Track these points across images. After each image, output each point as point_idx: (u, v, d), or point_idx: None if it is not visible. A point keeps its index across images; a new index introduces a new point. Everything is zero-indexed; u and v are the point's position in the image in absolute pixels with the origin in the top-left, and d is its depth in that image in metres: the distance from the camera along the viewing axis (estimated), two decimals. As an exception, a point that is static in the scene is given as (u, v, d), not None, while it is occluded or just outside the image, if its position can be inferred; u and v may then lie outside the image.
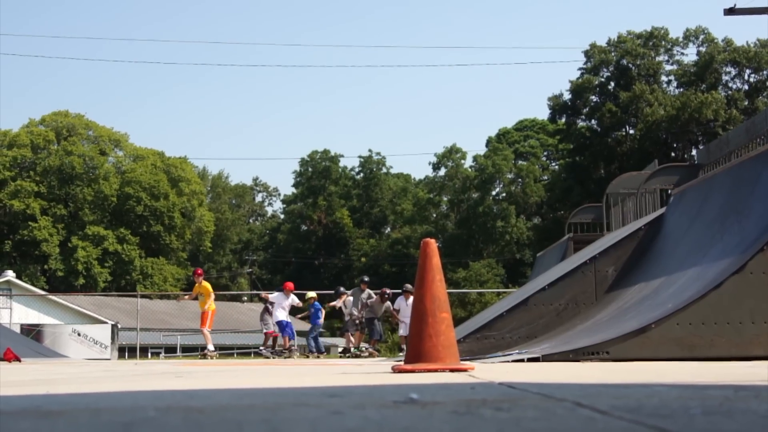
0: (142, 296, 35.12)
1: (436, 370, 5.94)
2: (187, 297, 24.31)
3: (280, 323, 22.12)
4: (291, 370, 8.10)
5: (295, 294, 23.02)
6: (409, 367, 6.12)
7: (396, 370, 6.30)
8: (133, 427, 2.43)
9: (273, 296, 22.69)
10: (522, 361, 9.11)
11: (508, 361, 9.19)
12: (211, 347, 21.49)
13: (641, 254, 12.85)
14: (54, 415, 2.85)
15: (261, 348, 22.61)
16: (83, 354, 27.88)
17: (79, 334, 30.20)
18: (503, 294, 32.52)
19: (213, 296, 21.74)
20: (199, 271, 22.38)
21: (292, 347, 22.15)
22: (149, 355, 41.36)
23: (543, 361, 9.07)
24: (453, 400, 3.23)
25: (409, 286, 21.08)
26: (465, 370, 6.04)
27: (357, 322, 21.88)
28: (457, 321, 16.96)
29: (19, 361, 15.81)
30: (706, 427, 2.31)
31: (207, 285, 21.70)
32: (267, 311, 22.14)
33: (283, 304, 22.26)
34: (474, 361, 9.05)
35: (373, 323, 21.78)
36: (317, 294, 23.90)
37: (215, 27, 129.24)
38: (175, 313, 50.71)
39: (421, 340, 6.19)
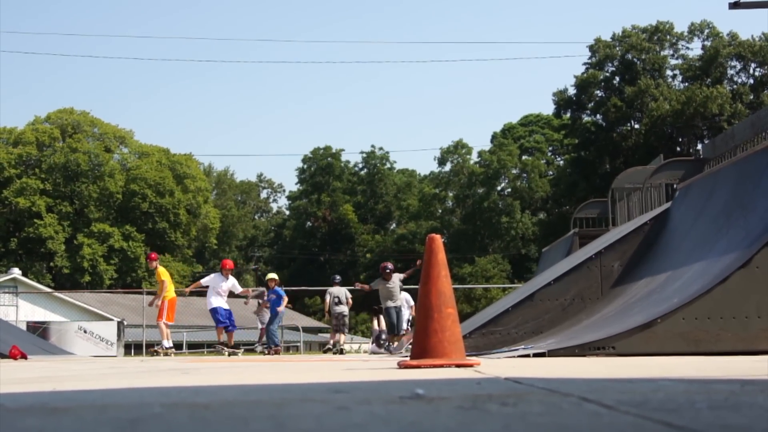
0: (148, 293, 35.16)
1: (441, 366, 5.94)
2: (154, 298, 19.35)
3: (214, 311, 18.24)
4: (297, 366, 8.11)
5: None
6: (414, 362, 6.12)
7: (401, 365, 6.30)
8: (139, 423, 2.43)
9: (206, 279, 18.90)
10: (528, 356, 9.11)
11: (514, 357, 9.19)
12: (166, 343, 18.34)
13: (647, 249, 12.84)
14: (60, 411, 2.86)
15: (256, 344, 21.12)
16: (89, 351, 27.93)
17: (85, 331, 30.26)
18: (509, 289, 32.52)
19: (167, 283, 18.48)
20: (153, 256, 19.31)
21: (227, 346, 18.38)
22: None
23: (549, 356, 9.07)
24: (459, 395, 3.23)
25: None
26: (471, 366, 6.04)
27: (334, 321, 20.81)
28: (463, 316, 16.84)
29: (26, 358, 15.84)
30: (712, 421, 2.30)
31: (161, 270, 18.72)
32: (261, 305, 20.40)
33: (219, 287, 18.38)
34: (480, 356, 9.05)
35: (388, 313, 17.70)
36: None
37: (220, 24, 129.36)
38: (180, 309, 50.63)
39: (426, 335, 6.19)
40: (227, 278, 18.47)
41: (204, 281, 18.95)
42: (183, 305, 50.57)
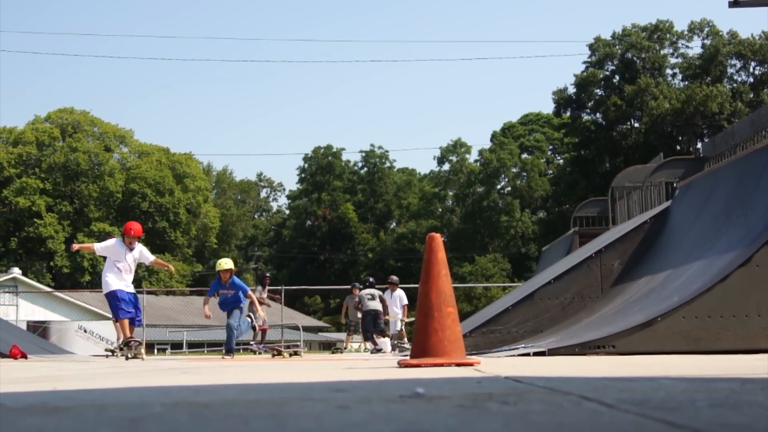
0: (148, 293, 35.23)
1: (442, 365, 5.94)
2: None
3: (113, 296, 12.95)
4: (297, 366, 8.11)
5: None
6: (414, 361, 6.12)
7: (402, 364, 6.30)
8: (139, 422, 2.43)
9: (102, 246, 13.63)
10: (528, 355, 9.10)
11: (514, 356, 9.18)
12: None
13: (647, 248, 12.83)
14: (61, 411, 2.85)
15: (251, 342, 19.62)
16: (89, 350, 27.93)
17: (85, 331, 30.30)
18: (509, 288, 32.52)
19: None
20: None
21: (132, 341, 13.05)
22: (155, 351, 41.38)
23: (549, 355, 9.06)
24: (459, 394, 3.23)
25: (395, 278, 20.95)
26: (471, 365, 6.04)
27: (352, 326, 21.78)
28: (463, 315, 16.79)
29: (26, 357, 15.83)
30: (712, 419, 2.30)
31: None
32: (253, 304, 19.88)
33: (120, 261, 13.01)
34: (480, 355, 9.05)
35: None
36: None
37: (219, 23, 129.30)
38: (181, 309, 50.75)
39: (426, 334, 6.18)
40: (131, 248, 13.08)
41: (99, 247, 13.73)
42: (183, 305, 50.71)
